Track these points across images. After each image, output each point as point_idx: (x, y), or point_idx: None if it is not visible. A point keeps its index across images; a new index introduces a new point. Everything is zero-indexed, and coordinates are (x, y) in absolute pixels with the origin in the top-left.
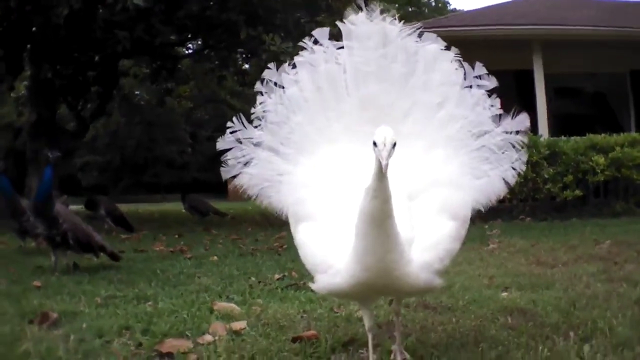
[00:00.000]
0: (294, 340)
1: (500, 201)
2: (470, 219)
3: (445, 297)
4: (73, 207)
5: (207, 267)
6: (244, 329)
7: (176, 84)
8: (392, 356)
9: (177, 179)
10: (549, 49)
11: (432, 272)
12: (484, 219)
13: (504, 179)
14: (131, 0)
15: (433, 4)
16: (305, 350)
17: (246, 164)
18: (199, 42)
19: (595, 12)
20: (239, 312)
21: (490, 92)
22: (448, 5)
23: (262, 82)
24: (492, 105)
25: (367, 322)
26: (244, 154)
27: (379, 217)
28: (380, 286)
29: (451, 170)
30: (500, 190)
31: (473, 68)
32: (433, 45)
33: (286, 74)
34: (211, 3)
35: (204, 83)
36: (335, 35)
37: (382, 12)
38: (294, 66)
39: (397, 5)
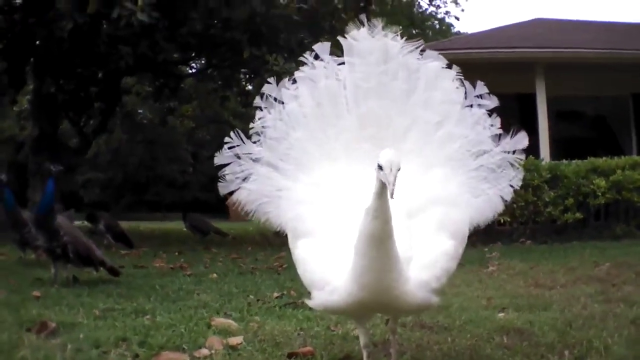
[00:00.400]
0: (290, 356)
1: (501, 224)
2: (471, 242)
3: (442, 317)
4: (76, 223)
5: (207, 284)
6: (241, 344)
7: (179, 103)
8: None
9: (178, 198)
10: (551, 71)
11: (429, 291)
12: (484, 242)
13: (501, 197)
14: (136, 16)
15: (437, 26)
16: None
17: (245, 179)
18: (203, 61)
19: (599, 35)
20: (236, 328)
21: (490, 112)
22: (452, 28)
23: (261, 97)
24: (492, 125)
25: (362, 340)
26: (243, 169)
27: (379, 238)
28: (377, 304)
29: (450, 189)
30: (498, 208)
31: (474, 87)
32: (435, 63)
33: (286, 89)
34: (215, 22)
35: (206, 103)
36: (338, 54)
37: (384, 28)
38: (294, 81)
39: (400, 27)
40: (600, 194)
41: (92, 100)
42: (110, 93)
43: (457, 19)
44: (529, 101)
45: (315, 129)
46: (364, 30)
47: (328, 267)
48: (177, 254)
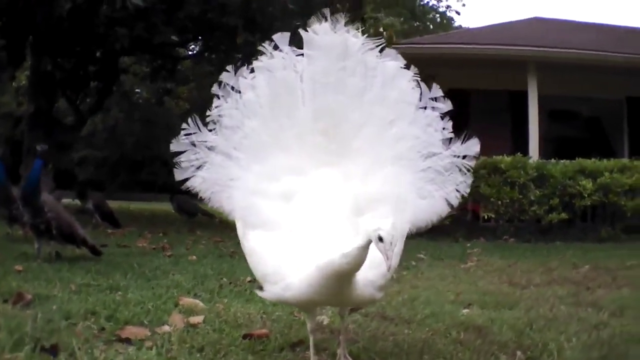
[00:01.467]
0: (245, 337)
1: (486, 220)
2: (454, 237)
3: (405, 309)
4: (66, 201)
5: (184, 265)
6: (201, 323)
7: (176, 84)
8: (337, 359)
9: (171, 179)
10: (544, 71)
11: (376, 288)
12: (467, 238)
13: (446, 200)
14: (130, 1)
15: (438, 19)
16: (254, 347)
17: (199, 167)
18: (200, 44)
19: (596, 36)
20: (202, 308)
21: (443, 115)
22: (453, 22)
23: (219, 86)
24: (444, 128)
25: (309, 325)
26: (198, 157)
27: (348, 275)
28: (327, 302)
29: (398, 188)
30: (443, 211)
31: (430, 89)
32: (393, 63)
33: (243, 78)
34: (212, 6)
35: (203, 85)
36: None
37: (346, 24)
38: (252, 71)
39: (402, 19)
40: (586, 195)
41: (89, 78)
42: (107, 72)
43: (458, 13)
44: (521, 99)
45: (270, 119)
46: (326, 25)
47: (282, 263)
48: (161, 234)
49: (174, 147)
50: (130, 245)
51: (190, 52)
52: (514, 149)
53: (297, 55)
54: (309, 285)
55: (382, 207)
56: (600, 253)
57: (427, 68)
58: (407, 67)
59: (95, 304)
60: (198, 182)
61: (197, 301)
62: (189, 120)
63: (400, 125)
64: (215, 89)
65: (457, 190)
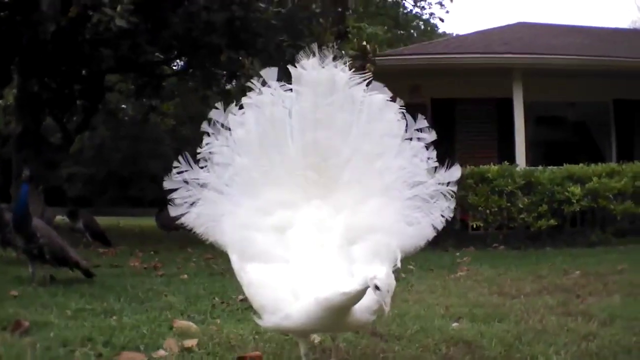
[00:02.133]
0: (238, 359)
1: (475, 229)
2: (444, 246)
3: (395, 326)
4: (58, 217)
5: (176, 285)
6: (195, 346)
7: (161, 101)
8: None
9: (160, 194)
10: (530, 77)
11: (370, 313)
12: (456, 247)
13: (433, 225)
14: (114, 22)
15: (422, 27)
16: None
17: (192, 204)
18: (184, 62)
19: (581, 40)
20: (196, 330)
21: (427, 145)
22: (437, 29)
23: (208, 123)
24: (429, 158)
25: (302, 348)
26: (190, 194)
27: (344, 310)
28: (324, 331)
29: (386, 217)
30: (429, 235)
31: (415, 120)
32: (379, 96)
33: (233, 116)
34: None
35: (189, 101)
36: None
37: (334, 58)
38: (241, 107)
39: (385, 27)
40: (575, 201)
41: (75, 97)
42: (93, 91)
43: (442, 20)
44: (507, 106)
45: (260, 155)
46: (314, 60)
47: (280, 294)
48: (152, 253)
49: (167, 184)
50: (122, 265)
51: (174, 69)
52: (500, 157)
53: (285, 91)
54: (308, 317)
55: (372, 235)
56: (591, 258)
57: (411, 78)
58: (393, 99)
59: (91, 329)
60: (192, 218)
61: (191, 323)
62: (180, 158)
63: (387, 158)
64: (205, 126)
65: (442, 216)
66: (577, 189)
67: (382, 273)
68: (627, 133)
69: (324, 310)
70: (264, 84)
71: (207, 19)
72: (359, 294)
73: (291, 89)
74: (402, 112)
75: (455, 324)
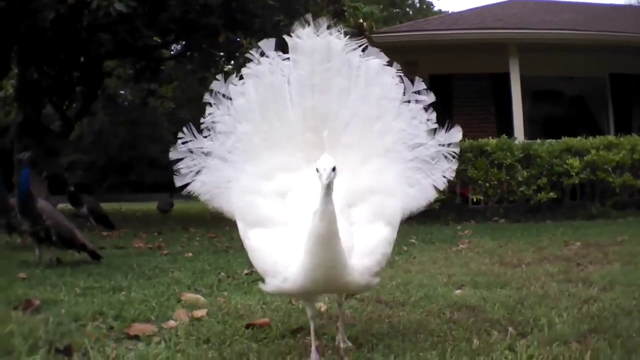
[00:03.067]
0: (248, 326)
1: (475, 203)
2: (445, 220)
3: (399, 293)
4: (60, 206)
5: (181, 262)
6: (204, 316)
7: (159, 84)
8: (336, 343)
9: (160, 179)
10: (526, 52)
11: (371, 275)
12: (457, 221)
13: (434, 186)
14: (113, 7)
15: (417, 5)
16: (257, 335)
17: (198, 172)
18: (182, 44)
19: (576, 15)
20: (204, 302)
21: (427, 107)
22: (432, 7)
23: (210, 94)
24: (428, 119)
25: (309, 312)
26: (195, 163)
27: (326, 238)
28: (324, 291)
29: (387, 179)
30: (431, 196)
31: (413, 83)
32: (376, 61)
33: (233, 86)
34: (193, 7)
35: (187, 84)
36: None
37: (328, 26)
38: (241, 77)
39: (380, 6)
40: (574, 173)
41: (74, 84)
42: (92, 77)
43: None
44: (504, 81)
45: (261, 122)
46: (308, 29)
47: (279, 257)
48: (156, 234)
49: (172, 155)
50: (127, 246)
51: (172, 52)
52: (499, 131)
53: (283, 60)
54: (305, 273)
55: (373, 197)
56: (591, 230)
57: (408, 55)
58: (390, 63)
59: (101, 305)
60: (198, 186)
61: (198, 296)
62: (185, 129)
63: (385, 120)
64: (207, 97)
65: (444, 177)
66: (575, 162)
67: (322, 158)
68: (624, 107)
69: (313, 254)
70: (262, 54)
71: (204, 1)
72: (327, 206)
73: (288, 58)
74: (399, 76)
75: (458, 291)
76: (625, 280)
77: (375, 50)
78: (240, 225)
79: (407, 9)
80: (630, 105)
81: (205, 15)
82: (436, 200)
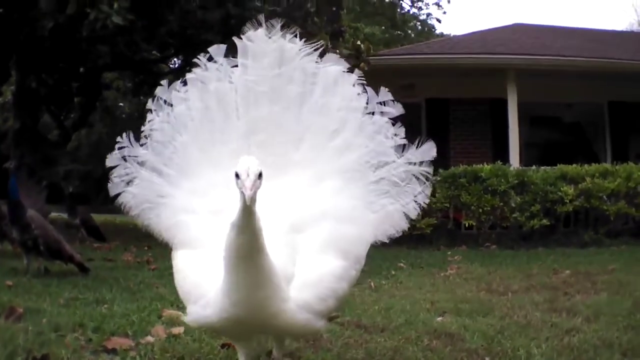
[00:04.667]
0: (223, 346)
1: (467, 228)
2: (436, 245)
3: (380, 318)
4: (55, 214)
5: (167, 278)
6: (182, 333)
7: None
8: None
9: None
10: (524, 78)
11: (312, 313)
12: (448, 245)
13: (404, 213)
14: (111, 19)
15: (419, 28)
16: (231, 356)
17: (129, 182)
18: (181, 60)
19: (576, 42)
20: (183, 319)
21: (394, 120)
22: (434, 30)
23: (153, 100)
24: (395, 134)
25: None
26: (128, 172)
27: (247, 253)
28: (253, 323)
29: (344, 203)
30: (401, 226)
31: (377, 93)
32: (334, 67)
33: (176, 92)
34: (191, 23)
35: None
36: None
37: (282, 28)
38: (185, 83)
39: (382, 27)
40: (568, 201)
41: (72, 94)
42: (90, 88)
43: (439, 21)
44: (502, 106)
45: (202, 133)
46: (260, 31)
47: (203, 279)
48: (146, 248)
49: (108, 161)
50: (116, 259)
51: (171, 67)
52: (495, 156)
53: (232, 67)
54: (226, 294)
55: (326, 223)
56: (582, 258)
57: (405, 78)
58: (351, 70)
59: (82, 316)
60: (128, 198)
61: (179, 312)
62: (124, 134)
63: (344, 135)
64: (149, 103)
65: (416, 202)
66: (570, 189)
67: (242, 159)
68: (622, 135)
69: (231, 270)
70: (210, 59)
71: (203, 17)
72: (244, 215)
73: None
74: (362, 84)
75: (439, 318)
76: (611, 311)
77: (334, 56)
78: (171, 245)
79: (409, 31)
80: (628, 134)
81: (204, 31)
82: (428, 225)
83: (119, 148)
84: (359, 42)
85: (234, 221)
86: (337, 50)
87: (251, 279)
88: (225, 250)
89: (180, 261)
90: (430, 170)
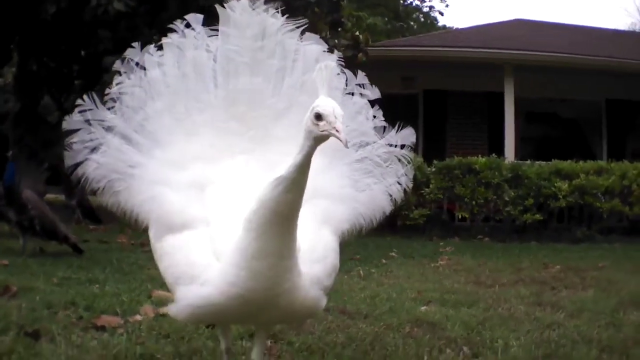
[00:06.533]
0: (208, 326)
1: (461, 220)
2: (428, 235)
3: (365, 305)
4: (52, 196)
5: None
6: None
7: None
8: None
9: None
10: (522, 73)
11: (323, 289)
12: (441, 237)
13: (389, 194)
14: (112, 5)
15: (422, 19)
16: (214, 335)
17: (94, 149)
18: None
19: (576, 38)
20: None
21: (372, 103)
22: (436, 22)
23: (122, 61)
24: (374, 116)
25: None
26: (92, 137)
27: (290, 213)
28: (260, 302)
29: (331, 180)
30: (385, 206)
31: (356, 76)
32: (315, 46)
33: (150, 55)
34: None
35: None
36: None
37: (266, 2)
38: (160, 48)
39: (385, 18)
40: (561, 196)
41: (73, 77)
42: (91, 71)
43: (442, 14)
44: (499, 100)
45: (177, 101)
46: (244, 1)
47: (198, 258)
48: (142, 231)
49: (65, 124)
50: (111, 241)
51: None
52: (490, 149)
53: (210, 36)
54: (238, 267)
55: (317, 199)
56: (574, 254)
57: (405, 69)
58: (330, 51)
59: (74, 295)
60: (92, 168)
61: (169, 294)
62: (85, 96)
63: None
64: (117, 65)
65: (399, 183)
66: (564, 185)
67: (323, 99)
68: (618, 132)
69: (261, 234)
70: (187, 26)
71: (204, 3)
72: (306, 166)
73: (216, 35)
74: (341, 65)
75: (423, 307)
76: (595, 307)
77: (315, 36)
78: (144, 221)
79: (412, 23)
80: (625, 132)
81: (205, 17)
82: (422, 215)
83: (80, 111)
84: (357, 33)
85: (286, 175)
86: (336, 40)
87: (279, 246)
88: (263, 210)
89: (165, 241)
90: (410, 154)
